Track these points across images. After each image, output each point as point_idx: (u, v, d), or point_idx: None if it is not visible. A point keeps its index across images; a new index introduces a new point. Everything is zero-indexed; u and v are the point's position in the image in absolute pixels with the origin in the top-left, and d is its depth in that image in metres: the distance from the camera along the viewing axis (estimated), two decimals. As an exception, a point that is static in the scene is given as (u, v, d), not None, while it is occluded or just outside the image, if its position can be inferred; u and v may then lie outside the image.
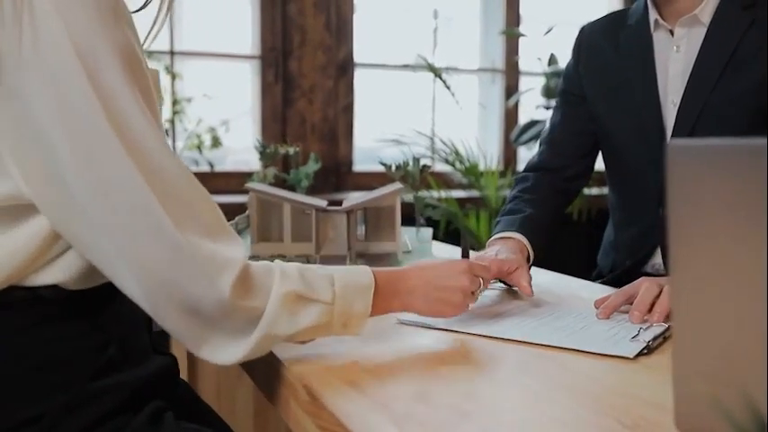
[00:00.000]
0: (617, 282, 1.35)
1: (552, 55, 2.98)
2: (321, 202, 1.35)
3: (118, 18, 0.71)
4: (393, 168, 1.50)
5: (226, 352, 0.74)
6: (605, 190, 2.98)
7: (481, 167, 2.66)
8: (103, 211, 0.69)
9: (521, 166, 3.15)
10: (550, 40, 2.94)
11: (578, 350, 0.84)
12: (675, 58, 1.27)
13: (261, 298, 0.73)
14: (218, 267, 0.71)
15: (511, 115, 3.17)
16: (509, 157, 3.13)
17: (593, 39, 1.42)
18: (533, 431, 0.61)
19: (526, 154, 3.19)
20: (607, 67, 1.37)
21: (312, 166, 1.57)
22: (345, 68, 2.86)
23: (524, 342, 0.87)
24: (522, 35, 2.98)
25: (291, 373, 0.77)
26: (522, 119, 3.13)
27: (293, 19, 2.76)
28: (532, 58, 3.10)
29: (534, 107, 3.06)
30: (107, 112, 0.68)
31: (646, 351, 0.83)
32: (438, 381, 0.74)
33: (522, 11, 3.19)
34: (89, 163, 0.68)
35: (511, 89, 3.17)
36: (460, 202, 2.66)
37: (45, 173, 0.70)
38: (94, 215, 0.69)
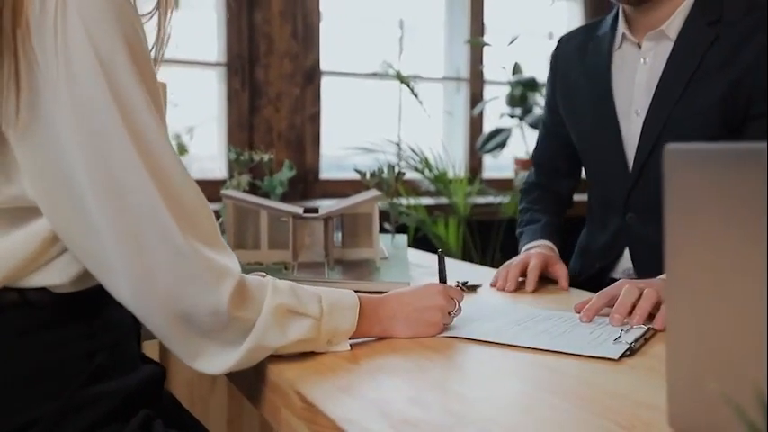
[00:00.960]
0: (585, 286, 1.38)
1: (516, 64, 3.02)
2: (298, 209, 1.35)
3: (134, 23, 0.72)
4: (368, 176, 1.51)
5: (216, 361, 0.75)
6: (577, 198, 3.04)
7: (450, 175, 2.68)
8: (111, 212, 0.69)
9: (486, 174, 3.19)
10: (514, 49, 2.98)
11: (563, 352, 0.85)
12: (642, 69, 1.31)
13: (254, 309, 0.75)
14: (218, 276, 0.72)
15: (476, 123, 3.20)
16: (474, 164, 3.16)
17: (568, 51, 1.47)
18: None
19: (491, 162, 3.23)
20: (574, 80, 1.43)
21: (286, 174, 1.56)
22: (312, 76, 2.86)
23: (508, 345, 0.88)
24: (487, 44, 3.01)
25: (282, 379, 0.77)
26: (487, 127, 3.16)
27: (259, 27, 2.75)
28: (497, 68, 3.14)
29: (499, 116, 3.09)
30: (122, 115, 0.69)
31: (629, 353, 0.85)
32: (430, 385, 0.75)
33: (486, 20, 3.23)
34: (102, 164, 0.69)
35: (476, 98, 3.20)
36: (428, 209, 2.68)
37: (54, 173, 0.70)
38: (101, 217, 0.69)
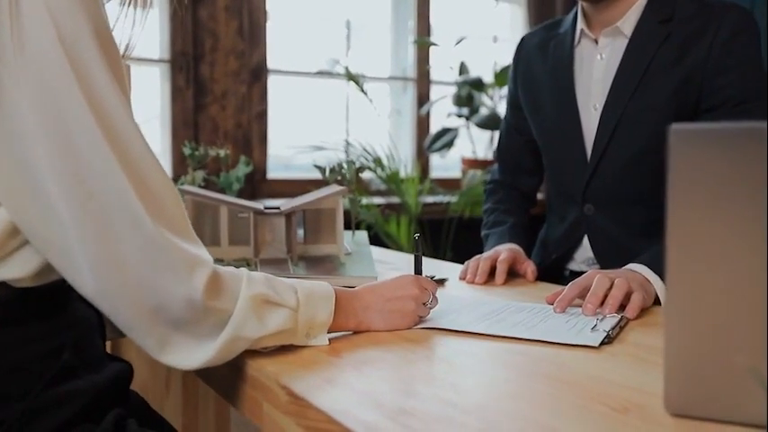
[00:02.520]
0: (547, 275, 1.40)
1: (463, 64, 3.05)
2: (258, 205, 1.31)
3: (99, 3, 0.68)
4: (327, 171, 1.48)
5: (191, 355, 0.71)
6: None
7: (402, 175, 2.68)
8: (76, 199, 0.65)
9: (434, 173, 3.20)
10: (459, 50, 3.00)
11: (542, 341, 0.85)
12: (599, 65, 1.34)
13: (230, 300, 0.72)
14: (191, 265, 0.69)
15: (423, 123, 3.21)
16: (422, 163, 3.17)
17: (530, 49, 1.50)
18: (534, 419, 0.61)
19: (439, 161, 3.24)
20: (537, 76, 1.45)
21: (243, 169, 1.53)
22: (259, 74, 2.81)
23: (486, 335, 0.88)
24: (435, 44, 3.03)
25: (263, 374, 0.74)
26: (434, 127, 3.17)
27: (204, 23, 2.69)
28: (443, 68, 3.16)
29: (446, 115, 3.11)
30: (87, 97, 0.65)
31: (607, 340, 0.85)
32: (418, 375, 0.74)
33: (432, 21, 3.24)
34: (65, 148, 0.65)
35: (422, 97, 3.21)
36: (379, 207, 2.67)
37: (11, 158, 0.66)
38: (64, 204, 0.65)
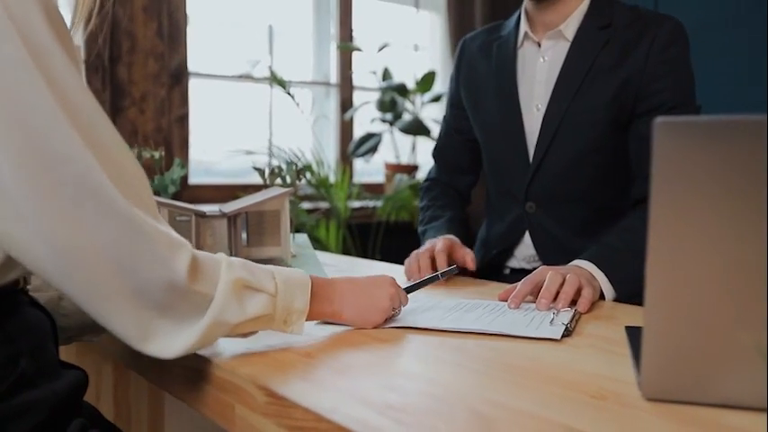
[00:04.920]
0: (485, 273, 1.43)
1: (386, 70, 3.07)
2: (199, 208, 1.28)
3: None
4: (267, 173, 1.46)
5: (173, 342, 0.69)
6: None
7: (331, 180, 2.67)
8: (42, 188, 0.61)
9: (358, 178, 3.21)
10: (381, 57, 3.03)
11: (507, 335, 0.87)
12: (541, 67, 1.38)
13: (210, 284, 0.70)
14: (172, 248, 0.67)
15: (346, 128, 3.22)
16: (345, 168, 3.17)
17: (472, 51, 1.52)
18: (520, 408, 0.62)
19: (363, 166, 3.25)
20: (480, 77, 1.48)
21: (178, 172, 1.48)
22: (179, 77, 2.74)
23: (451, 332, 0.88)
24: (358, 49, 3.04)
25: (237, 376, 0.72)
26: (358, 132, 3.18)
27: (121, 24, 2.60)
28: (363, 74, 3.18)
29: (370, 120, 3.12)
30: (45, 78, 0.62)
31: (567, 333, 0.88)
32: (397, 372, 0.73)
33: (353, 26, 3.26)
34: (21, 127, 0.61)
35: (345, 102, 3.21)
36: (314, 212, 2.66)
37: None
38: (25, 191, 0.61)
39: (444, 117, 1.63)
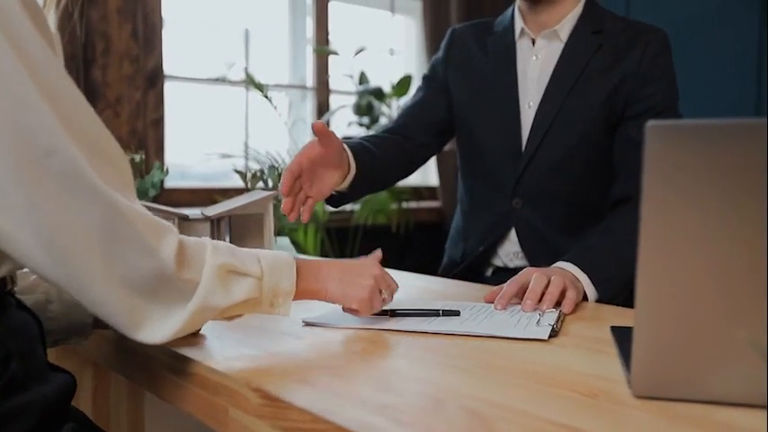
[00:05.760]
0: (470, 271, 1.44)
1: (363, 74, 3.08)
2: (182, 211, 1.28)
3: None
4: (249, 176, 1.46)
5: (161, 328, 0.70)
6: (423, 204, 3.13)
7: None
8: (24, 174, 0.61)
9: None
10: (357, 61, 3.03)
11: (495, 336, 0.88)
12: (534, 65, 1.41)
13: (196, 270, 0.71)
14: (159, 234, 0.68)
15: (323, 132, 3.21)
16: (322, 173, 3.17)
17: (464, 39, 1.52)
18: (515, 407, 0.63)
19: (339, 170, 3.24)
20: (475, 67, 1.48)
21: (158, 175, 1.47)
22: (154, 80, 2.72)
23: (438, 334, 0.89)
24: (335, 53, 3.04)
25: (230, 378, 0.72)
26: (334, 136, 3.18)
27: (95, 25, 2.57)
28: (340, 77, 3.18)
29: (347, 124, 3.13)
30: (26, 67, 0.62)
31: (554, 333, 0.89)
32: (389, 373, 0.74)
33: (329, 30, 3.26)
34: (4, 119, 0.61)
35: (322, 106, 3.21)
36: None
37: None
38: (10, 181, 0.61)
39: (418, 89, 1.55)
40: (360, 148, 1.28)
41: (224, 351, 0.81)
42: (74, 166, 0.63)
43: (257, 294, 0.76)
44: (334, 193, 1.24)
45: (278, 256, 0.81)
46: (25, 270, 0.94)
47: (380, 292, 0.91)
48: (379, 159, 1.33)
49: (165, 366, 0.83)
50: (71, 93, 0.66)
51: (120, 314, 0.67)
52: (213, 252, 0.73)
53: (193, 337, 0.87)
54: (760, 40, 2.77)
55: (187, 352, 0.80)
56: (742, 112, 2.84)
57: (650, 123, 0.56)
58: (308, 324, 0.94)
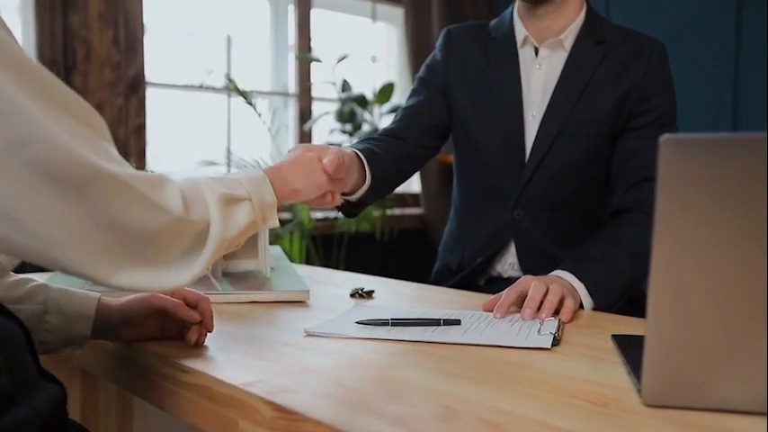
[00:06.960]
0: (463, 279, 1.44)
1: (345, 81, 3.08)
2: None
3: None
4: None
5: (183, 274, 0.71)
6: (407, 210, 3.14)
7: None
8: (6, 164, 0.59)
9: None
10: (339, 67, 3.04)
11: (498, 345, 0.88)
12: (537, 75, 1.41)
13: (202, 209, 0.73)
14: (159, 188, 0.68)
15: (305, 139, 3.21)
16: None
17: (463, 41, 1.48)
18: (526, 415, 0.64)
19: (322, 177, 3.24)
20: (476, 73, 1.45)
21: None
22: (136, 87, 2.70)
23: (439, 343, 0.90)
24: (317, 60, 3.04)
25: (242, 391, 0.72)
26: (317, 142, 3.18)
27: (76, 32, 2.55)
28: (321, 84, 3.18)
29: (329, 131, 3.13)
30: None
31: (556, 342, 0.90)
32: (396, 383, 0.74)
33: (311, 37, 3.26)
34: None
35: (304, 113, 3.21)
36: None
37: None
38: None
39: (415, 90, 1.52)
40: (373, 159, 1.25)
41: (230, 363, 0.81)
42: (47, 138, 0.60)
43: (254, 216, 0.79)
44: (342, 200, 1.22)
45: (250, 173, 0.84)
46: (19, 278, 0.92)
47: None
48: (388, 165, 1.32)
49: (168, 378, 0.83)
50: (38, 69, 0.63)
51: (142, 280, 0.68)
52: (208, 187, 0.75)
53: (197, 349, 0.87)
54: (737, 47, 2.83)
55: (192, 364, 0.80)
56: (719, 120, 2.89)
57: (665, 137, 0.57)
58: (309, 334, 0.94)
